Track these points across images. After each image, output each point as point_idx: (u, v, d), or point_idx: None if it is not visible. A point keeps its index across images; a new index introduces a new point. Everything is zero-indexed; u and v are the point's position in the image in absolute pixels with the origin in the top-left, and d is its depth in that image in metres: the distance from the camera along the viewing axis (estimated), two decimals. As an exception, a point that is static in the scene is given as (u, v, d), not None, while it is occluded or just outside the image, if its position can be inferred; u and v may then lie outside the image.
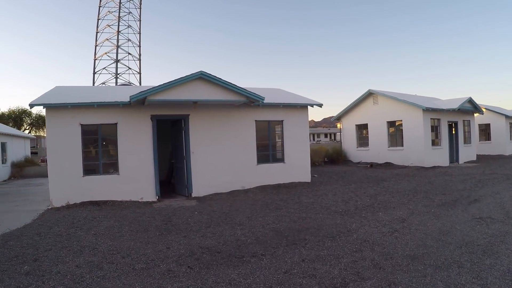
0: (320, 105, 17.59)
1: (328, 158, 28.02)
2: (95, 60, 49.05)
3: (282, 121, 16.74)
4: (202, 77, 13.39)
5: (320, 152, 27.77)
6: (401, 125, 24.24)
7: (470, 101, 25.42)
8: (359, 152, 27.55)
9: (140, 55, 52.20)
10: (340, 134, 29.99)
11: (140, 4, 53.51)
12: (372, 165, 24.70)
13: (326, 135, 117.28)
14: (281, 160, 16.81)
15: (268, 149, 16.56)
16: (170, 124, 15.76)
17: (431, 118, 23.49)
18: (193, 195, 14.23)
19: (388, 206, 11.32)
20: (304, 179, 17.15)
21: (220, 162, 15.03)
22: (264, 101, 14.75)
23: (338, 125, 30.28)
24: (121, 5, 50.17)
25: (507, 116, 32.77)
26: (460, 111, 25.57)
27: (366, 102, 26.90)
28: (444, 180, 16.87)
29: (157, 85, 13.10)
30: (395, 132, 24.94)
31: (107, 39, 49.44)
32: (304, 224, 9.36)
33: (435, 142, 24.05)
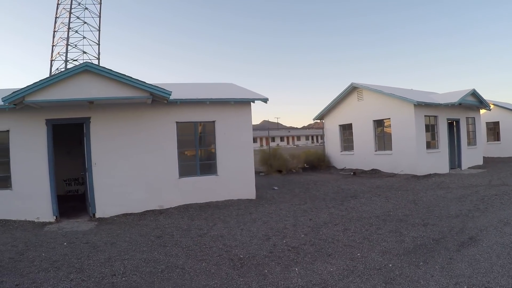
0: (265, 100, 13.45)
1: (309, 164, 23.51)
2: (51, 60, 44.06)
3: (214, 121, 12.87)
4: (89, 70, 10.25)
5: (299, 157, 23.30)
6: (389, 124, 19.66)
7: (474, 94, 20.68)
8: (344, 157, 22.97)
9: (99, 53, 46.75)
10: (323, 136, 25.46)
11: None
12: (355, 172, 20.15)
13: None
14: (213, 171, 12.84)
15: (195, 158, 12.75)
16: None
17: (425, 115, 18.87)
18: (97, 215, 11.04)
19: (325, 250, 7.02)
20: (246, 195, 13.04)
21: (131, 175, 11.60)
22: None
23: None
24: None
25: (519, 113, 27.95)
26: (462, 106, 20.89)
27: (350, 98, 22.31)
28: (435, 197, 12.39)
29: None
30: (383, 133, 20.34)
31: (61, 38, 44.41)
32: (150, 285, 5.52)
33: (431, 144, 19.41)
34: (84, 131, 11.28)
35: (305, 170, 22.88)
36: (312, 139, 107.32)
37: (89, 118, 11.25)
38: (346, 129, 22.93)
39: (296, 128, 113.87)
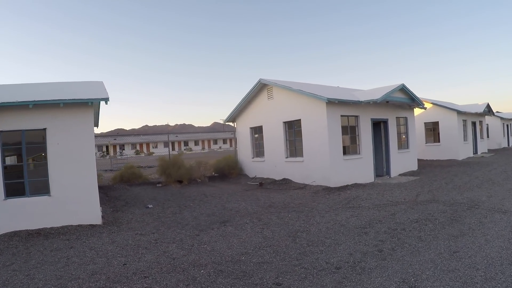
0: (106, 100, 9.58)
1: (219, 172, 18.94)
2: None
3: (44, 129, 9.39)
4: None
5: (206, 165, 18.65)
6: (301, 126, 15.24)
7: (403, 89, 16.43)
8: (255, 164, 18.35)
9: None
10: (235, 140, 20.98)
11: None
12: (262, 183, 15.58)
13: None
14: (46, 191, 9.35)
15: (24, 175, 9.27)
16: None
17: (343, 115, 14.49)
18: None
19: None
20: (89, 219, 9.55)
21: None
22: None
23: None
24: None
25: (459, 112, 24.06)
26: (391, 104, 16.69)
27: (260, 97, 17.69)
28: (329, 226, 8.21)
29: None
30: (294, 136, 15.91)
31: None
32: None
33: (351, 149, 15.04)
34: None
35: (212, 179, 18.20)
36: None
37: None
38: (258, 133, 18.31)
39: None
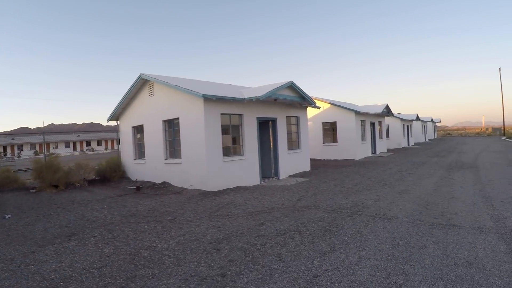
0: None
1: (101, 175, 17.39)
2: None
3: None
4: None
5: (87, 168, 16.98)
6: (179, 125, 14.17)
7: (292, 87, 15.90)
8: (137, 166, 16.96)
9: None
10: (117, 140, 19.56)
11: None
12: (139, 187, 14.25)
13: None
14: None
15: None
16: None
17: (223, 114, 13.56)
18: None
19: None
20: None
21: None
22: None
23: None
24: None
25: (357, 113, 24.36)
26: (280, 103, 16.18)
27: (142, 94, 16.33)
28: (181, 240, 7.09)
29: None
30: (174, 136, 14.83)
31: None
32: None
33: (233, 150, 14.21)
34: None
35: (93, 183, 16.53)
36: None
37: None
38: (140, 132, 16.92)
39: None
